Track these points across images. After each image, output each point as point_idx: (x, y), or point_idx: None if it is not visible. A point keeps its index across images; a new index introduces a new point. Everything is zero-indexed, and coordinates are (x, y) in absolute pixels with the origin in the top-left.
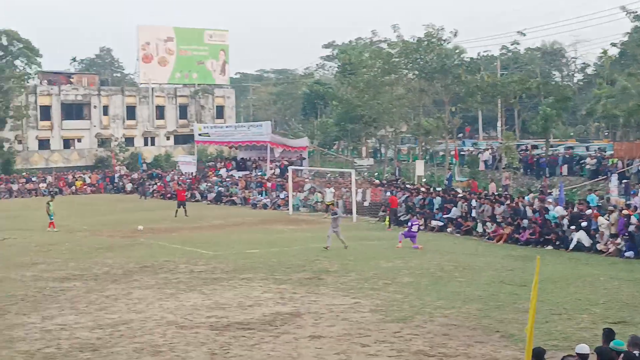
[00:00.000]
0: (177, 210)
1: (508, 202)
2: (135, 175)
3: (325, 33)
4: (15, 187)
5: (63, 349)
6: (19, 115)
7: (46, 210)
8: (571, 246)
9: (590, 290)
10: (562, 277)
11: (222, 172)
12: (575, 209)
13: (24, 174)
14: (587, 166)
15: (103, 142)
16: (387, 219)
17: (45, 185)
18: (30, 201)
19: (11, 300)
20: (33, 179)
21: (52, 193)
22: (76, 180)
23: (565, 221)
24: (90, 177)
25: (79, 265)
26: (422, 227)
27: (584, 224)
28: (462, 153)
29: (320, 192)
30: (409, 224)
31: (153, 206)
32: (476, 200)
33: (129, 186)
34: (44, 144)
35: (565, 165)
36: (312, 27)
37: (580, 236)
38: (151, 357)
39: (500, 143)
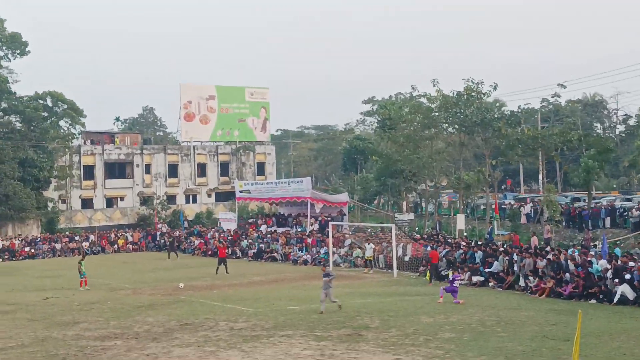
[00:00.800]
0: (217, 268)
1: (550, 256)
2: (176, 232)
3: (366, 89)
4: (58, 246)
5: None
6: (63, 175)
7: (78, 269)
8: (615, 299)
9: (635, 344)
10: (606, 331)
11: (263, 228)
12: (619, 262)
13: (68, 233)
14: (631, 218)
15: (145, 200)
16: (428, 273)
17: (87, 244)
18: (73, 260)
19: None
20: (76, 237)
21: (82, 252)
22: (118, 238)
23: (609, 274)
24: (132, 236)
25: (120, 324)
26: (463, 282)
27: (627, 276)
28: (503, 207)
29: (360, 247)
30: (451, 278)
31: (194, 263)
32: (517, 254)
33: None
34: (87, 203)
35: (608, 218)
36: (353, 83)
37: (624, 289)
38: None
39: (542, 196)
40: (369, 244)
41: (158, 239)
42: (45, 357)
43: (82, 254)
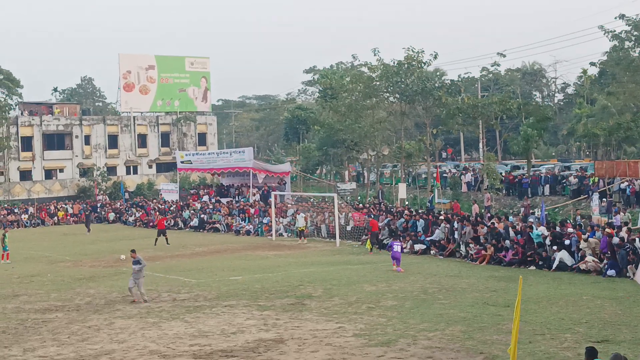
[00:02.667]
0: (156, 239)
1: (489, 224)
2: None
3: (307, 58)
4: None
5: None
6: (0, 146)
7: (1, 241)
8: (554, 266)
9: (574, 310)
10: (545, 296)
11: (205, 199)
12: (557, 229)
13: (6, 205)
14: (569, 186)
15: (85, 171)
16: (368, 242)
17: (27, 216)
18: (13, 233)
19: None
20: (15, 210)
21: (4, 224)
22: (58, 210)
23: (548, 241)
24: (72, 208)
25: (61, 296)
26: (405, 249)
27: (566, 242)
28: (444, 175)
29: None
30: (390, 244)
31: (136, 235)
32: (458, 222)
33: (111, 216)
34: (25, 175)
35: (547, 185)
36: (294, 53)
37: (563, 256)
38: None
39: (482, 164)
40: (299, 214)
41: (98, 210)
42: None
43: (3, 227)
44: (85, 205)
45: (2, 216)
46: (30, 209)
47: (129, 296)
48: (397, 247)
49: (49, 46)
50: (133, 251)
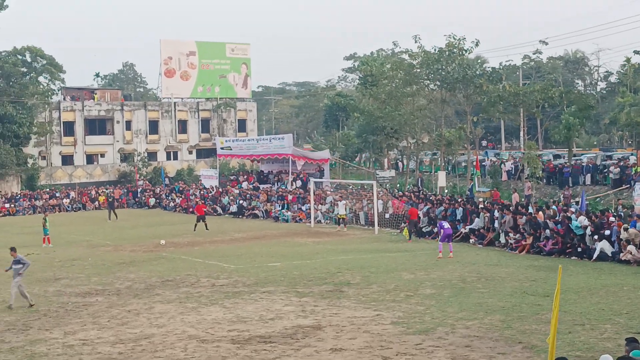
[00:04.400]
0: (196, 225)
1: (528, 214)
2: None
3: (347, 45)
4: (39, 203)
5: None
6: (43, 131)
7: (42, 225)
8: (594, 256)
9: (614, 300)
10: (585, 287)
11: (244, 185)
12: (597, 219)
13: (48, 189)
14: (611, 175)
15: (126, 157)
16: (406, 230)
17: (68, 201)
18: (54, 217)
19: (34, 316)
20: (57, 194)
21: (45, 209)
22: (99, 195)
23: (589, 231)
24: (113, 192)
25: (101, 280)
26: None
27: (607, 232)
28: (483, 164)
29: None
30: (439, 224)
31: (175, 220)
32: (498, 211)
33: (151, 201)
34: (67, 159)
35: (589, 175)
36: (334, 40)
37: (604, 246)
38: None
39: (523, 153)
40: (340, 201)
41: (139, 196)
42: (26, 312)
43: (44, 211)
44: (110, 192)
45: (44, 200)
46: (72, 194)
47: (24, 301)
48: (447, 225)
49: (91, 32)
50: (13, 249)
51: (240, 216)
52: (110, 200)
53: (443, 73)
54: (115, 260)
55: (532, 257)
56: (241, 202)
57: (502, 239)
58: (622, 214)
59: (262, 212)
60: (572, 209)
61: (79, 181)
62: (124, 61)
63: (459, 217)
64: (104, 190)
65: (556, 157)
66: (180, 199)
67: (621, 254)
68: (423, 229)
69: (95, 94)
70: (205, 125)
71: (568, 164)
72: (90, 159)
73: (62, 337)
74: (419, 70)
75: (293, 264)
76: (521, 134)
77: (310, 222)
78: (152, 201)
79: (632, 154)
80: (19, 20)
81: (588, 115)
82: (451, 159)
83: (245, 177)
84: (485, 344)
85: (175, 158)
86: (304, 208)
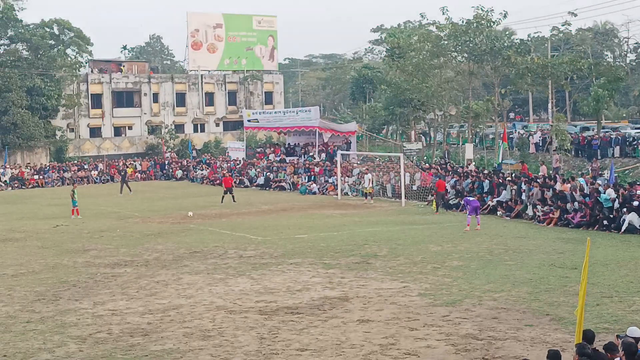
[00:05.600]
0: (223, 197)
1: (554, 187)
2: (184, 162)
3: (374, 17)
4: (67, 174)
5: (114, 334)
6: (71, 103)
7: (71, 196)
8: (623, 228)
9: None
10: (613, 259)
11: (271, 157)
12: (627, 191)
13: (76, 161)
14: None
15: (153, 129)
16: (434, 203)
17: (96, 172)
18: (82, 189)
19: (64, 287)
20: (85, 166)
21: (74, 180)
22: (127, 167)
23: (617, 203)
24: (140, 165)
25: (129, 252)
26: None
27: (635, 203)
28: (511, 136)
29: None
30: (465, 201)
31: (203, 192)
32: (525, 184)
33: (178, 173)
34: (95, 131)
35: (617, 147)
36: (361, 11)
37: (632, 218)
38: (201, 342)
39: (551, 125)
40: (367, 174)
41: (166, 168)
42: (56, 283)
43: (73, 182)
44: (122, 165)
45: (72, 172)
46: (100, 166)
47: None
48: (473, 198)
49: (118, 4)
50: None
51: (267, 188)
52: (122, 173)
53: (471, 45)
54: (143, 231)
55: (559, 229)
56: (268, 174)
57: (530, 212)
58: None
59: (289, 184)
60: (599, 181)
61: (106, 153)
62: (151, 34)
63: (486, 189)
64: (132, 162)
65: (584, 129)
66: (208, 171)
67: None
68: (450, 202)
69: (123, 66)
70: (232, 98)
71: (597, 136)
72: (118, 131)
73: (92, 308)
74: (446, 42)
75: (320, 236)
76: (549, 106)
77: (337, 194)
78: (179, 173)
79: None
80: None
81: (617, 87)
82: (478, 131)
83: (272, 149)
84: (512, 316)
85: (203, 130)
86: (330, 180)
